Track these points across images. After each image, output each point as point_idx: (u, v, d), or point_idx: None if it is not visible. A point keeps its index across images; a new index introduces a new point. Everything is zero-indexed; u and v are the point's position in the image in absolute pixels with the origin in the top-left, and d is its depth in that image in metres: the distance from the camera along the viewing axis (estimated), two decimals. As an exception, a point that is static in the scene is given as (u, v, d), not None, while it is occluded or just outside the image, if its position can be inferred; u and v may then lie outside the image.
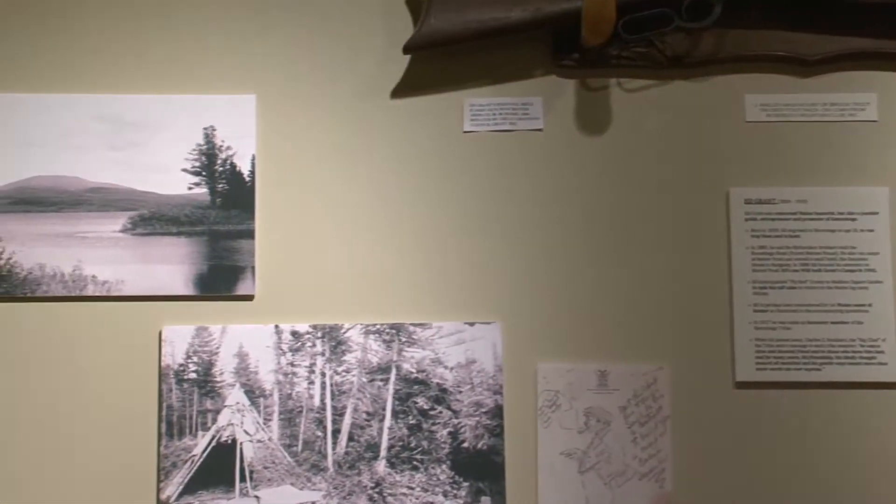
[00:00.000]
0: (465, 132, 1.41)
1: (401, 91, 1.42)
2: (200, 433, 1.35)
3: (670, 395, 1.37)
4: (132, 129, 1.39)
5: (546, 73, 1.42)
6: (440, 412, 1.37)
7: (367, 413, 1.37)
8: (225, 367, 1.37)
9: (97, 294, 1.37)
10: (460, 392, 1.38)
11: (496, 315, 1.39)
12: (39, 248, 1.37)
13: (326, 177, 1.40)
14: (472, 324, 1.38)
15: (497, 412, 1.37)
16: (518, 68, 1.42)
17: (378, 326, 1.38)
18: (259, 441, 1.36)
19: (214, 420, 1.36)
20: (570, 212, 1.40)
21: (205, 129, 1.39)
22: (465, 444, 1.37)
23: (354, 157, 1.41)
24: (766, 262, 1.38)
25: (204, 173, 1.39)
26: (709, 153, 1.41)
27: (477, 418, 1.37)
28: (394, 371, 1.38)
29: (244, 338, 1.37)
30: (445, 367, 1.38)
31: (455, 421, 1.37)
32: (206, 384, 1.36)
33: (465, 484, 1.36)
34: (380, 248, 1.40)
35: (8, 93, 1.39)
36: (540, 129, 1.41)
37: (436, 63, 1.41)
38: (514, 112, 1.41)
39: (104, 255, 1.37)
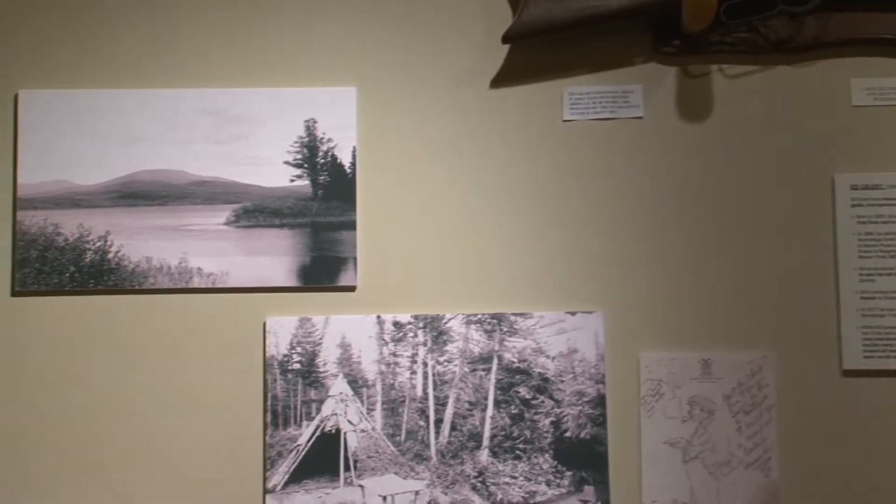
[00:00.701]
0: (565, 121, 1.41)
1: (500, 81, 1.41)
2: (305, 423, 1.37)
3: (775, 384, 1.36)
4: (235, 122, 1.40)
5: (646, 61, 1.41)
6: (542, 402, 1.37)
7: (469, 403, 1.38)
8: (328, 358, 1.38)
9: (203, 286, 1.39)
10: (562, 381, 1.37)
11: (598, 304, 1.38)
12: (146, 241, 1.39)
13: (427, 167, 1.41)
14: (573, 313, 1.38)
15: (599, 401, 1.37)
16: (618, 56, 1.41)
17: (479, 316, 1.38)
18: (363, 431, 1.37)
19: (318, 410, 1.37)
20: (672, 200, 1.39)
21: (306, 121, 1.40)
22: (568, 434, 1.37)
23: (454, 147, 1.41)
24: (873, 249, 1.36)
25: (306, 165, 1.40)
26: (813, 139, 1.39)
27: (579, 408, 1.37)
28: (495, 361, 1.38)
29: (347, 328, 1.38)
30: (547, 357, 1.38)
31: (557, 410, 1.37)
32: (309, 374, 1.38)
33: (568, 473, 1.36)
34: (480, 237, 1.40)
35: (114, 88, 1.41)
36: (640, 117, 1.40)
37: (535, 52, 1.41)
38: (614, 100, 1.40)
39: (209, 248, 1.39)
